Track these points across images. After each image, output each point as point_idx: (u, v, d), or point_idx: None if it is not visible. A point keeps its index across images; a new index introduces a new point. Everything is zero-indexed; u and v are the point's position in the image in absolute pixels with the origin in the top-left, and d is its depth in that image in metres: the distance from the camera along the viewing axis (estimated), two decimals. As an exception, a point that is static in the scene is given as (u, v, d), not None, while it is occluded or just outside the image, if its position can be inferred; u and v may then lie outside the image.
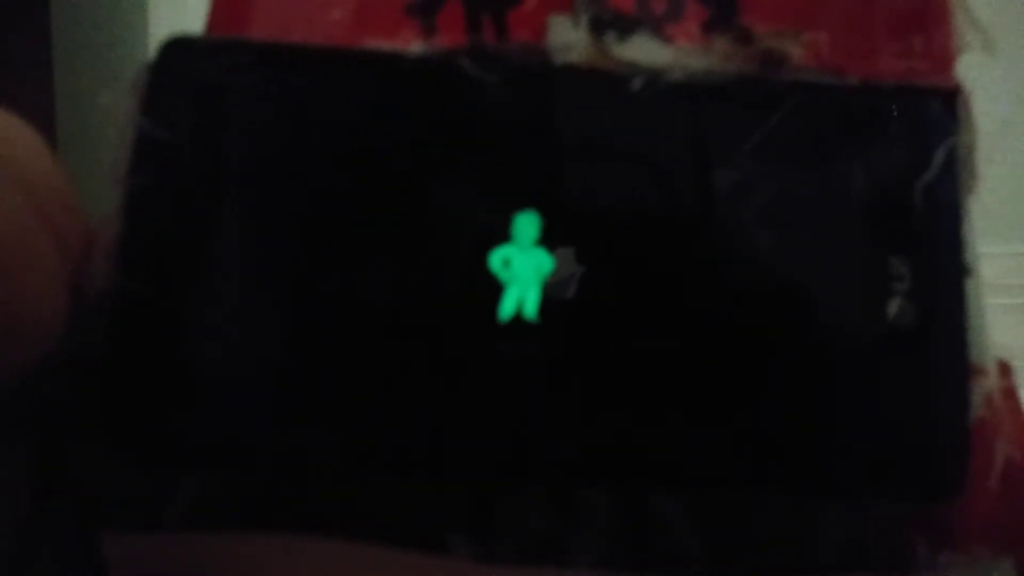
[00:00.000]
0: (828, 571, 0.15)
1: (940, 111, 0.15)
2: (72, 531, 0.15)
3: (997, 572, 0.15)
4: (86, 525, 0.14)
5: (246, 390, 0.14)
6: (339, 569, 0.15)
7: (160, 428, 0.14)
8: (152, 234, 0.14)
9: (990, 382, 0.15)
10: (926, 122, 0.15)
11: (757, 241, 0.14)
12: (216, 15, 0.15)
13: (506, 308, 0.14)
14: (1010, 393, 0.16)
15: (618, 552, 0.15)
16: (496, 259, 0.14)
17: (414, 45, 0.15)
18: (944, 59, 0.16)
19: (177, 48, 0.14)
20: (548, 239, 0.14)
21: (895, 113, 0.15)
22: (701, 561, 0.15)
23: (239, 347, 0.14)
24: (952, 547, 0.15)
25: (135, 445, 0.14)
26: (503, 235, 0.14)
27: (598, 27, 0.15)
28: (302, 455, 0.14)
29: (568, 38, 0.15)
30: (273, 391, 0.14)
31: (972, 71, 0.16)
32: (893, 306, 0.15)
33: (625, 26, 0.15)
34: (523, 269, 0.14)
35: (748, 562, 0.15)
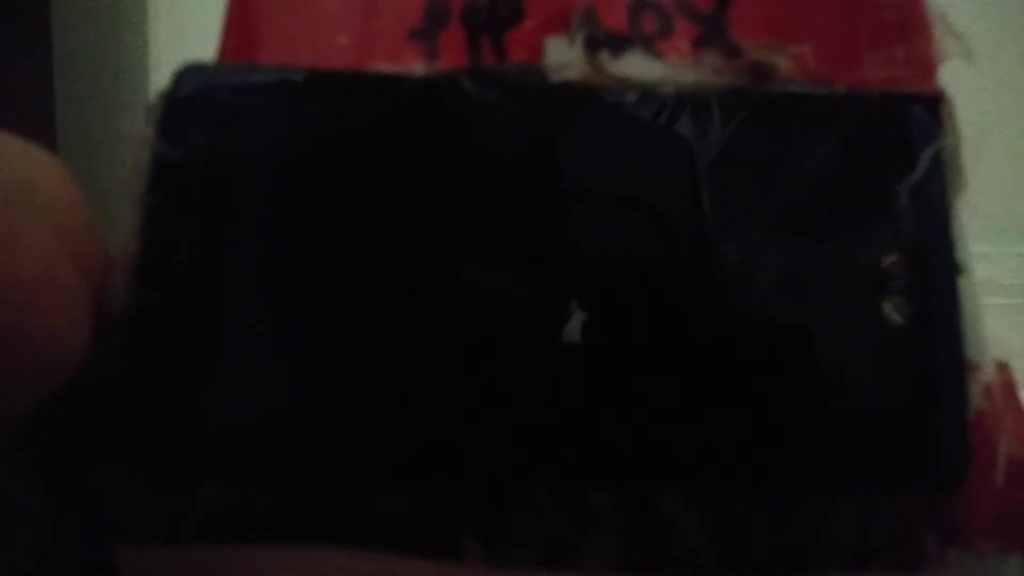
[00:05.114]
0: (838, 569, 0.15)
1: (924, 116, 0.16)
2: (90, 547, 0.15)
3: (1006, 568, 0.16)
4: (104, 541, 0.15)
5: (262, 399, 0.14)
6: None
7: (178, 439, 0.14)
8: (168, 252, 0.15)
9: (987, 375, 0.15)
10: (911, 126, 0.16)
11: (751, 241, 0.15)
12: (227, 43, 0.16)
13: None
14: (1010, 390, 0.16)
15: (630, 554, 0.15)
16: None
17: (417, 68, 0.16)
18: (926, 67, 0.16)
19: (191, 73, 0.15)
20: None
21: (880, 117, 0.15)
22: (712, 561, 0.15)
23: (254, 359, 0.14)
24: (961, 544, 0.15)
25: (153, 456, 0.14)
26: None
27: (592, 46, 0.16)
28: (318, 461, 0.14)
29: (564, 57, 0.16)
30: (289, 400, 0.14)
31: (954, 77, 0.16)
32: (888, 303, 0.15)
33: (618, 44, 0.16)
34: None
35: (759, 562, 0.15)
